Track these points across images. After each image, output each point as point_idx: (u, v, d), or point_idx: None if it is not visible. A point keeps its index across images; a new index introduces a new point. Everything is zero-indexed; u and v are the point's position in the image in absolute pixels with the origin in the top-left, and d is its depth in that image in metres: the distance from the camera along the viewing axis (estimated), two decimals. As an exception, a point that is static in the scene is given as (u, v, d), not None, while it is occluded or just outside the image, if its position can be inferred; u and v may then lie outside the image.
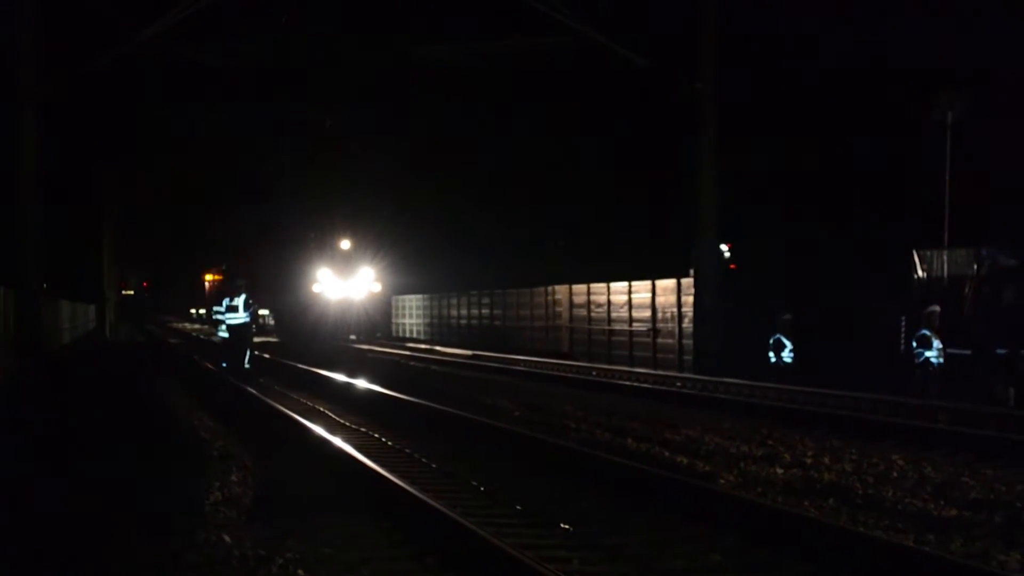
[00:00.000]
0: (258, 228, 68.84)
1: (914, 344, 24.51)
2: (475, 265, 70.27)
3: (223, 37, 35.95)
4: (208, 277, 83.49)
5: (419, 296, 73.08)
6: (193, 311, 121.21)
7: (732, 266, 43.03)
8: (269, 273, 59.80)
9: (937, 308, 24.86)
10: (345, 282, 54.64)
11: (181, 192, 78.43)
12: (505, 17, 35.83)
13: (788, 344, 28.19)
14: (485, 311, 61.11)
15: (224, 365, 31.95)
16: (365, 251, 55.41)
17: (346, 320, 55.10)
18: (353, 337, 56.42)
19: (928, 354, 24.07)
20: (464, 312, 64.51)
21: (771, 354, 28.39)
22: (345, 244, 55.15)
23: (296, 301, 56.09)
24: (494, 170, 67.71)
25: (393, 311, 76.07)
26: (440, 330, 68.68)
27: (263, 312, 65.30)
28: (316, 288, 54.52)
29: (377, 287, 56.37)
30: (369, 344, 54.47)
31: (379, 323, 58.92)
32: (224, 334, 32.75)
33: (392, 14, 37.34)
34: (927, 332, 24.23)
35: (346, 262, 54.85)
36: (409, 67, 40.28)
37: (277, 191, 64.79)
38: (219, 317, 32.97)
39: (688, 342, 38.12)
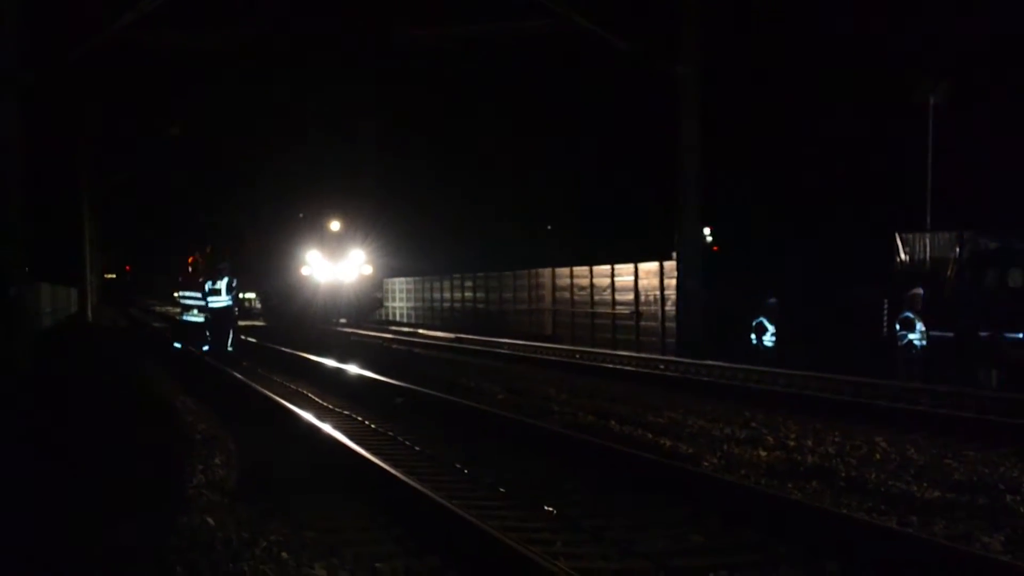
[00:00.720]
0: (244, 210, 67.85)
1: (897, 327, 24.59)
2: (465, 248, 70.29)
3: (204, 21, 35.78)
4: (190, 260, 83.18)
5: (406, 279, 72.43)
6: (177, 294, 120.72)
7: (714, 248, 43.11)
8: (256, 256, 58.57)
9: (920, 291, 24.93)
10: (335, 264, 53.47)
11: (165, 176, 78.53)
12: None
13: (770, 328, 28.21)
14: (468, 294, 60.97)
15: (205, 348, 31.92)
16: (356, 233, 54.27)
17: (336, 303, 53.67)
18: (343, 321, 55.02)
19: (911, 336, 24.15)
20: (448, 296, 64.27)
21: (752, 337, 28.42)
22: (335, 225, 54.02)
23: (284, 284, 54.84)
24: (478, 154, 67.70)
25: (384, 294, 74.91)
26: (426, 313, 68.34)
27: (250, 295, 64.64)
28: (305, 271, 53.38)
29: (368, 269, 55.02)
30: (356, 327, 53.15)
31: (370, 306, 57.51)
32: (193, 318, 32.80)
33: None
34: (910, 315, 24.30)
35: (336, 244, 53.67)
36: (389, 50, 40.15)
37: (264, 172, 64.45)
38: (187, 302, 33.04)
39: (671, 325, 38.13)
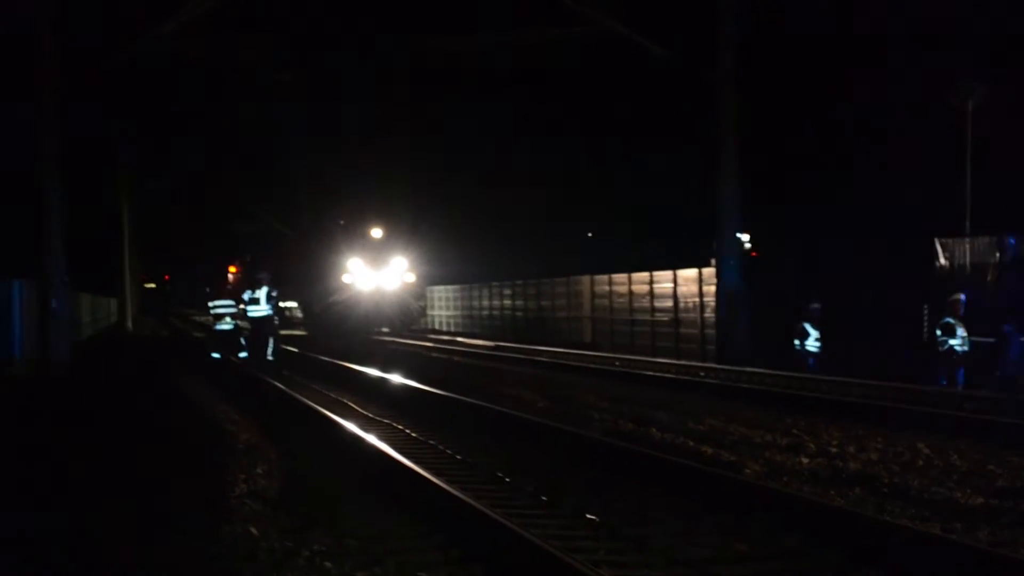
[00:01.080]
0: (286, 219, 67.41)
1: (938, 332, 24.47)
2: (504, 255, 70.08)
3: (240, 32, 35.98)
4: (232, 270, 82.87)
5: (445, 287, 71.84)
6: (209, 304, 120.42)
7: (753, 253, 42.96)
8: (297, 264, 58.15)
9: (961, 296, 24.81)
10: (377, 272, 52.68)
11: (204, 185, 78.70)
12: (515, 7, 35.83)
13: (814, 333, 28.09)
14: (507, 302, 60.89)
15: (243, 356, 32.05)
16: (398, 240, 53.42)
17: (378, 312, 52.72)
18: (385, 330, 54.06)
19: (952, 342, 24.03)
20: (486, 303, 64.18)
21: (796, 342, 28.31)
22: (377, 232, 53.33)
23: (325, 292, 53.73)
24: (520, 162, 67.52)
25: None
26: (464, 321, 68.24)
27: (291, 304, 63.85)
28: (346, 279, 52.61)
29: (411, 277, 54.13)
30: (398, 336, 52.38)
31: (413, 315, 56.10)
32: (225, 326, 32.95)
33: (407, 4, 37.29)
34: (951, 320, 24.19)
35: (378, 251, 52.80)
36: (424, 58, 40.23)
37: (304, 180, 64.01)
38: (218, 311, 33.14)
39: (710, 332, 38.07)
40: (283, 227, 67.92)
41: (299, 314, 64.69)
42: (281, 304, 35.52)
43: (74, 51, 31.61)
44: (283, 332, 37.29)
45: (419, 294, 56.52)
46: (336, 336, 49.13)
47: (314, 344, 43.95)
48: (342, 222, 54.73)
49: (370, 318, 52.75)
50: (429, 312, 71.14)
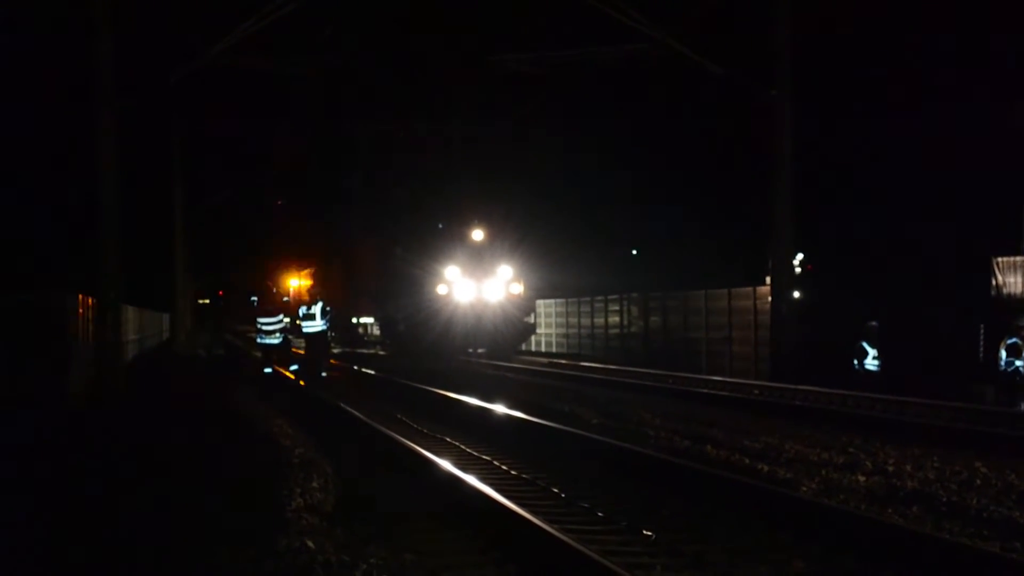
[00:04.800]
0: (359, 226, 60.68)
1: (1004, 353, 24.31)
2: (557, 274, 69.07)
3: (296, 49, 36.18)
4: (294, 282, 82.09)
5: (551, 301, 63.79)
6: (257, 320, 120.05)
7: (808, 267, 42.80)
8: (375, 275, 52.98)
9: None
10: (479, 283, 45.58)
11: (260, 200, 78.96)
12: (571, 24, 35.92)
13: (871, 351, 27.93)
14: (560, 320, 60.29)
15: (294, 368, 32.18)
16: (503, 244, 46.66)
17: (479, 329, 45.38)
18: (481, 351, 46.88)
19: (1019, 363, 23.91)
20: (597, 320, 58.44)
21: (854, 361, 28.15)
22: (478, 235, 46.40)
23: (414, 306, 46.57)
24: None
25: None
26: (564, 341, 61.79)
27: (366, 320, 60.76)
28: (441, 289, 45.47)
29: (518, 288, 46.82)
30: (503, 359, 44.25)
31: (521, 333, 48.87)
32: (272, 340, 32.96)
33: (464, 22, 37.48)
34: (1018, 341, 24.07)
35: (480, 258, 45.88)
36: (483, 74, 40.20)
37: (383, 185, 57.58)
38: (266, 327, 33.16)
39: (764, 349, 37.98)
40: (357, 235, 60.88)
41: (375, 331, 60.21)
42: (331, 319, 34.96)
43: (131, 68, 31.90)
44: (360, 351, 36.62)
45: (528, 308, 49.26)
46: (428, 356, 43.31)
47: (398, 367, 38.67)
48: (441, 224, 47.95)
49: (468, 336, 45.89)
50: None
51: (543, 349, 62.23)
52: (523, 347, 53.70)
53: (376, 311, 55.73)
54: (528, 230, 49.22)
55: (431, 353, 43.96)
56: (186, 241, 73.33)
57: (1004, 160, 33.75)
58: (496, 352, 45.86)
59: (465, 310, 45.11)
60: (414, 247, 47.39)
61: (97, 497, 13.06)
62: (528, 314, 49.26)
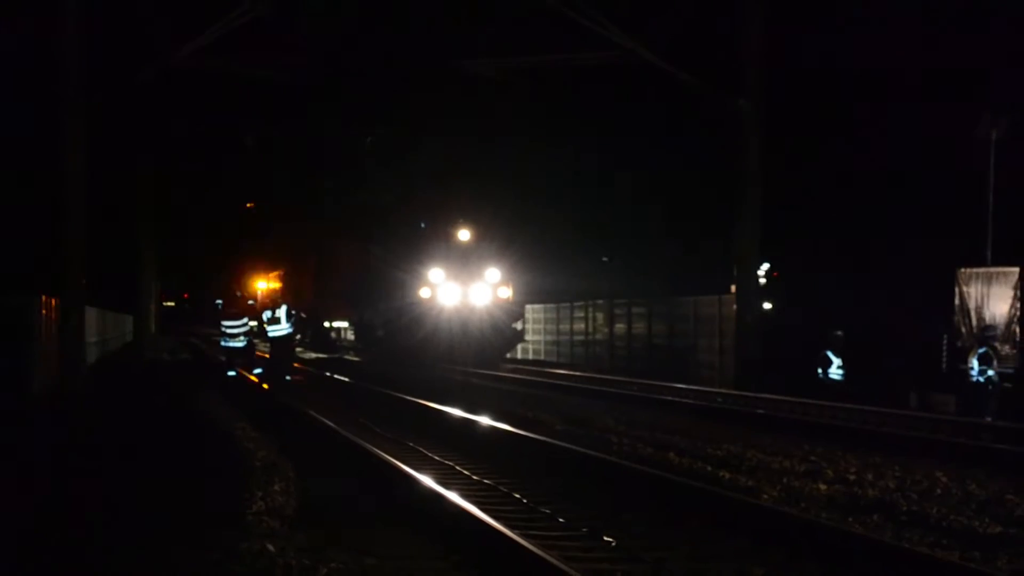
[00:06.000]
0: (333, 225, 58.65)
1: (975, 362, 24.37)
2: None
3: (264, 52, 36.02)
4: (261, 285, 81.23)
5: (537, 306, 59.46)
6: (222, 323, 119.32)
7: (775, 274, 42.87)
8: (349, 277, 51.39)
9: (997, 326, 24.90)
10: (464, 286, 43.13)
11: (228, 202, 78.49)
12: (542, 31, 35.84)
13: (836, 360, 27.93)
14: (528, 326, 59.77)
15: (258, 371, 32.08)
16: (491, 245, 44.24)
17: (464, 335, 42.71)
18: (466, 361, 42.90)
19: (991, 372, 24.00)
20: (577, 327, 56.79)
21: (819, 370, 28.16)
22: (464, 235, 44.15)
23: (393, 310, 44.77)
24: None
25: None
26: (551, 348, 58.17)
27: (340, 325, 58.87)
28: (424, 293, 42.92)
29: (506, 292, 44.36)
30: (488, 368, 41.55)
31: (510, 339, 46.55)
32: (236, 344, 32.85)
33: (434, 27, 37.35)
34: (988, 350, 24.18)
35: (465, 259, 43.51)
36: (455, 81, 39.96)
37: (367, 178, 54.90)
38: (229, 330, 33.03)
39: (728, 358, 38.00)
40: (328, 236, 58.82)
41: (350, 336, 57.77)
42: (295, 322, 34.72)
43: (98, 69, 31.79)
44: (331, 356, 36.19)
45: (517, 314, 46.82)
46: (404, 363, 41.30)
47: (374, 374, 36.95)
48: (424, 224, 45.57)
49: (454, 343, 43.01)
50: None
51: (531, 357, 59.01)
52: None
53: (351, 315, 53.56)
54: (516, 232, 47.01)
55: (413, 360, 41.88)
56: (152, 244, 73.03)
57: (968, 169, 33.86)
58: (483, 361, 42.68)
59: (450, 315, 42.84)
60: (394, 247, 45.38)
61: (50, 497, 13.01)
62: (517, 320, 47.01)
